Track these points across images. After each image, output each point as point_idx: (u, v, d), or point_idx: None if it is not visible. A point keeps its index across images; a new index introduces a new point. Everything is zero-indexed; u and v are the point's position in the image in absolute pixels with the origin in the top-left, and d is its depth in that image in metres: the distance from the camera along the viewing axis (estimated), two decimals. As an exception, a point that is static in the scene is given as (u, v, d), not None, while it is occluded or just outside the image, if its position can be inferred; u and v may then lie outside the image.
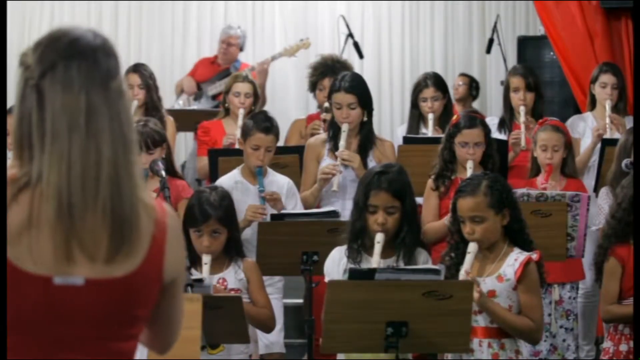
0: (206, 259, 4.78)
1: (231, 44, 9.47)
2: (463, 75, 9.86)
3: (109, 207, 2.15)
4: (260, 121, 5.98)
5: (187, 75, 9.60)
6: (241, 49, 9.56)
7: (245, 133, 5.97)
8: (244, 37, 9.60)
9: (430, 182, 5.76)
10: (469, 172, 5.50)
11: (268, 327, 5.02)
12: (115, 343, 2.21)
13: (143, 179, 2.28)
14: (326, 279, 4.53)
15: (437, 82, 6.91)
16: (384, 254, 4.57)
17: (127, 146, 2.20)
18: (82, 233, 2.14)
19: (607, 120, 6.89)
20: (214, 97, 9.16)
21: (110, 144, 2.17)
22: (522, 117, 6.77)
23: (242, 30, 9.69)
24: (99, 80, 2.19)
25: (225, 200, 4.90)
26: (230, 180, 5.97)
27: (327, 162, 6.08)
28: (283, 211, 5.77)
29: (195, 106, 9.09)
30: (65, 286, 2.15)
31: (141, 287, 2.22)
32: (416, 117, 6.93)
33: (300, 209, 5.97)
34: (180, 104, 9.21)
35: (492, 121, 7.07)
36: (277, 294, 5.97)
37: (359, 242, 4.64)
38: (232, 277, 4.88)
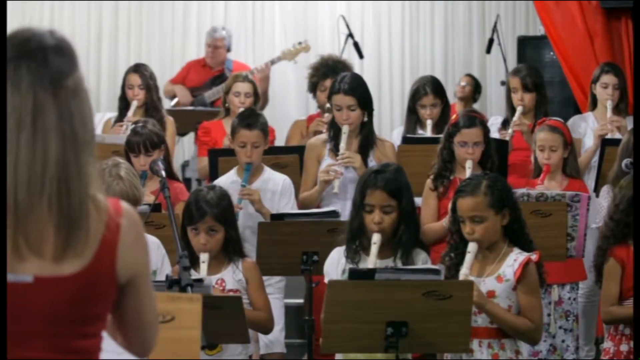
0: (203, 257, 4.78)
1: (218, 47, 9.38)
2: (469, 75, 9.86)
3: (55, 205, 2.18)
4: (244, 118, 6.02)
5: (174, 80, 9.50)
6: (228, 50, 9.50)
7: (232, 131, 6.02)
8: (229, 38, 9.53)
9: (429, 182, 5.75)
10: (468, 172, 5.50)
11: (266, 330, 5.00)
12: (70, 341, 2.24)
13: (99, 178, 2.30)
14: (326, 280, 4.53)
15: (436, 88, 6.88)
16: (382, 254, 4.56)
17: (79, 146, 2.22)
18: (28, 230, 2.17)
19: (608, 122, 6.89)
20: (212, 103, 9.13)
21: (58, 143, 2.19)
22: (515, 117, 6.80)
23: (227, 30, 9.61)
24: (47, 80, 2.21)
25: (224, 199, 4.89)
26: (227, 180, 5.99)
27: (327, 162, 6.07)
28: (282, 211, 5.77)
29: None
30: (15, 283, 2.18)
31: (91, 287, 2.24)
32: (413, 122, 6.92)
33: (294, 208, 5.98)
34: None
35: (496, 120, 7.09)
36: (277, 293, 5.98)
37: (357, 242, 4.63)
38: (231, 278, 4.88)
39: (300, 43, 9.17)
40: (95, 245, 2.24)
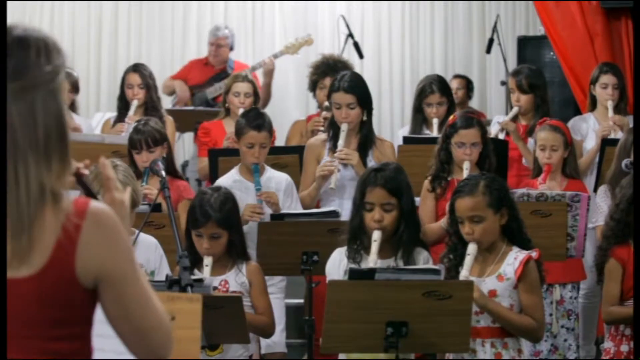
0: (207, 260, 4.79)
1: (221, 45, 9.38)
2: (458, 77, 9.70)
3: None
4: (252, 119, 6.00)
5: (175, 77, 9.50)
6: (231, 48, 9.50)
7: (239, 132, 6.00)
8: (232, 37, 9.53)
9: (426, 184, 5.74)
10: (465, 173, 5.50)
11: (267, 333, 4.99)
12: (44, 343, 2.24)
13: (63, 181, 2.24)
14: (329, 279, 4.53)
15: (442, 87, 6.90)
16: (383, 254, 4.56)
17: (19, 151, 2.19)
18: None
19: (610, 122, 6.89)
20: (214, 99, 9.14)
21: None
22: (507, 117, 6.85)
23: (230, 29, 9.62)
24: None
25: (227, 203, 4.87)
26: (229, 179, 5.99)
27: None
28: (283, 211, 5.77)
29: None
30: None
31: (49, 290, 2.22)
32: (420, 121, 6.93)
33: (298, 206, 5.98)
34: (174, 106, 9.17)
35: (499, 119, 7.10)
36: (279, 293, 5.97)
37: (358, 242, 4.63)
38: (236, 280, 4.88)
39: (302, 37, 9.16)
40: (49, 249, 2.21)
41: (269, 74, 8.69)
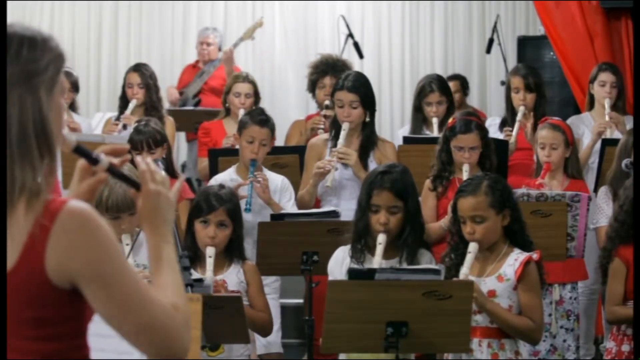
0: (210, 251, 4.76)
1: (210, 44, 9.56)
2: (451, 79, 9.57)
3: None
4: (256, 115, 6.08)
5: (177, 87, 9.63)
6: (220, 49, 9.59)
7: (241, 127, 6.04)
8: (221, 37, 9.67)
9: (428, 183, 5.75)
10: (464, 176, 5.51)
11: (266, 331, 4.99)
12: (21, 342, 2.22)
13: (39, 182, 2.21)
14: (330, 279, 4.53)
15: (442, 86, 6.90)
16: (387, 255, 4.57)
17: None
18: None
19: (607, 118, 6.88)
20: (195, 96, 9.24)
21: None
22: (519, 117, 6.77)
23: (220, 30, 9.84)
24: None
25: (235, 197, 4.97)
26: (226, 177, 6.00)
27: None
28: (283, 211, 5.77)
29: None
30: None
31: (22, 290, 2.19)
32: (420, 120, 6.92)
33: (293, 208, 5.98)
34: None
35: (494, 121, 7.08)
36: (273, 294, 5.98)
37: (362, 242, 4.64)
38: (234, 279, 4.87)
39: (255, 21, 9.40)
40: (18, 251, 2.18)
41: (228, 62, 8.93)
